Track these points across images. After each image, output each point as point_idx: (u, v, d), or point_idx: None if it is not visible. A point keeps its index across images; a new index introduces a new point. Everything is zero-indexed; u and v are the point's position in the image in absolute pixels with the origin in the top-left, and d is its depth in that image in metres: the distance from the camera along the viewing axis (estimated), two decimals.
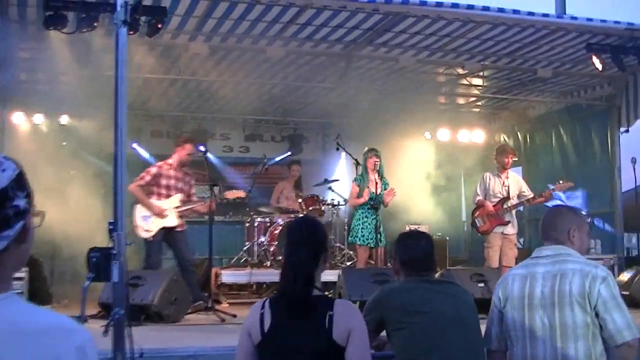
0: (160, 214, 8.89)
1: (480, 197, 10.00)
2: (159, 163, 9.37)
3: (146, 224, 8.87)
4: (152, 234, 8.85)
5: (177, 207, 9.01)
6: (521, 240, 12.34)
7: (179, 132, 12.87)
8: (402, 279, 4.04)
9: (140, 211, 8.90)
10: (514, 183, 9.92)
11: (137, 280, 7.76)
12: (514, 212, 9.87)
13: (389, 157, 10.79)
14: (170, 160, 9.25)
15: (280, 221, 11.49)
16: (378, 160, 9.55)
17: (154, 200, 8.97)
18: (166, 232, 8.94)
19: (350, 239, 9.66)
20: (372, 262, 9.71)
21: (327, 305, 3.24)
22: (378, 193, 9.32)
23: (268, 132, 14.74)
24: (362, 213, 9.48)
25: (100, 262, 5.01)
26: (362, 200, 9.45)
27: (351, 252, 11.34)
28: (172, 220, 8.96)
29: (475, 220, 10.02)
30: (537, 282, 3.65)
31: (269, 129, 14.70)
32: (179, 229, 9.02)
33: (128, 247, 5.08)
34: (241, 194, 9.35)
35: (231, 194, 9.15)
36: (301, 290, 3.26)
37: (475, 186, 10.24)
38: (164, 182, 9.07)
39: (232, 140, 14.51)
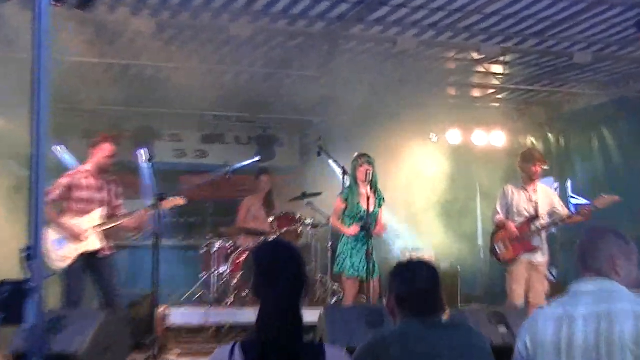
0: (77, 236, 8.79)
1: (500, 216, 10.01)
2: (71, 171, 9.20)
3: (61, 250, 8.71)
4: (70, 262, 8.71)
5: (99, 225, 8.92)
6: (553, 270, 12.35)
7: (119, 131, 12.79)
8: (399, 320, 4.00)
9: (51, 235, 8.69)
10: (543, 198, 9.92)
11: (59, 322, 7.63)
12: (544, 234, 9.87)
13: (385, 166, 10.80)
14: (86, 166, 9.13)
15: (246, 246, 11.47)
16: (370, 168, 9.52)
17: (68, 219, 8.86)
18: (87, 258, 8.82)
19: (336, 268, 9.62)
20: (363, 297, 9.69)
21: (317, 353, 3.23)
22: (371, 210, 9.29)
23: (231, 133, 14.78)
24: (351, 236, 9.47)
25: (11, 299, 4.93)
26: (349, 231, 9.46)
27: (336, 286, 11.31)
28: (93, 242, 8.86)
29: (495, 245, 10.02)
30: (577, 325, 3.60)
31: (233, 129, 14.73)
32: (103, 254, 8.95)
33: (46, 281, 5.01)
34: (179, 201, 9.27)
35: (168, 203, 9.05)
36: (290, 336, 3.29)
37: (494, 202, 10.25)
38: (79, 194, 8.93)
39: (185, 142, 14.56)
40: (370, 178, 9.53)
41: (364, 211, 9.31)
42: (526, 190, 9.92)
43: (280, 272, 3.41)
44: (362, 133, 12.06)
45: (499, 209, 10.05)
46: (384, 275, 9.11)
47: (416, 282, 4.01)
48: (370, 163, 9.58)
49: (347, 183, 9.73)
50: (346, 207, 9.57)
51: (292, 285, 3.38)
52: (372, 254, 9.17)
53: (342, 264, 9.43)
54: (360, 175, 9.53)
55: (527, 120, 14.42)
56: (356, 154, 9.80)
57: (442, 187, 13.47)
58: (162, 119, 13.91)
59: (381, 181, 9.81)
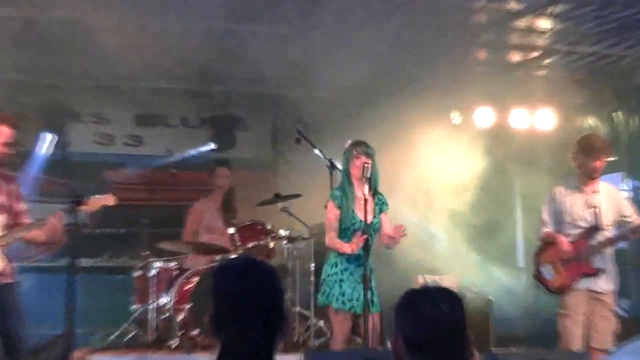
0: None
1: (548, 229, 9.96)
2: None
3: None
4: None
5: None
6: (624, 302, 12.31)
7: (20, 110, 12.70)
8: None
9: None
10: (608, 201, 9.88)
11: None
12: (609, 252, 9.82)
13: (389, 158, 10.77)
14: None
15: (196, 268, 11.44)
16: (369, 162, 9.37)
17: None
18: None
19: (321, 299, 9.44)
20: (358, 339, 9.60)
21: None
22: (369, 220, 9.11)
23: (176, 112, 14.79)
24: (341, 256, 9.33)
25: None
26: (348, 248, 9.22)
27: (321, 322, 11.30)
28: None
29: (541, 268, 9.99)
30: None
31: (179, 107, 14.70)
32: (4, 280, 8.79)
33: None
34: (108, 200, 9.18)
35: (92, 204, 8.95)
36: None
37: (539, 208, 10.19)
38: None
39: (113, 124, 14.58)
40: (369, 174, 9.28)
41: (361, 222, 9.15)
42: (584, 191, 9.89)
43: (250, 302, 3.44)
44: (357, 113, 12.00)
45: (545, 218, 10.01)
46: (387, 309, 9.01)
47: (433, 318, 4.00)
48: (369, 155, 9.41)
49: (339, 181, 9.60)
50: (340, 213, 9.39)
51: (266, 321, 3.41)
52: (370, 280, 9.06)
53: (330, 292, 9.25)
54: (355, 170, 9.38)
55: (585, 94, 14.33)
56: (349, 142, 9.66)
57: (468, 187, 13.44)
58: (80, 92, 13.89)
59: (383, 179, 9.69)
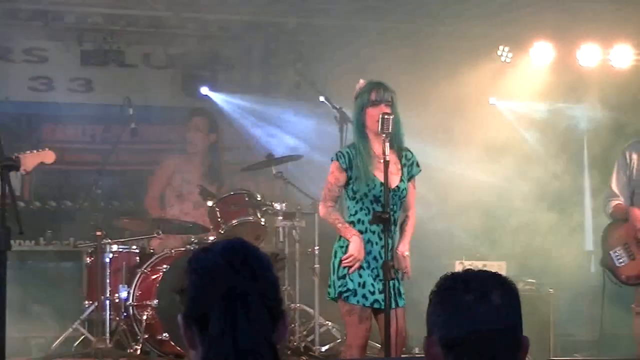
0: None
1: (618, 200, 9.88)
2: None
3: None
4: None
5: None
6: None
7: None
8: None
9: None
10: None
11: None
12: None
13: (415, 107, 10.71)
14: None
15: (165, 252, 11.42)
16: (389, 111, 9.07)
17: None
18: None
19: (331, 291, 9.14)
20: (377, 345, 9.54)
21: None
22: (394, 186, 8.94)
23: (137, 47, 14.64)
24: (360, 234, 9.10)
25: None
26: (349, 233, 8.97)
27: (329, 324, 11.36)
28: None
29: (612, 252, 9.91)
30: None
31: (140, 40, 14.60)
32: None
33: None
34: (47, 155, 9.19)
35: (26, 162, 8.94)
36: None
37: (610, 175, 10.15)
38: None
39: (52, 63, 14.37)
40: (390, 129, 8.89)
41: (382, 186, 8.88)
42: None
43: (235, 298, 3.39)
44: (374, 47, 12.00)
45: (615, 188, 9.92)
46: (419, 306, 8.72)
47: (477, 314, 3.89)
48: (390, 101, 9.12)
49: (350, 136, 9.43)
50: (348, 182, 9.12)
51: (255, 320, 3.38)
52: (393, 266, 8.80)
53: (342, 282, 8.96)
54: (372, 122, 9.09)
55: None
56: (362, 82, 9.38)
57: (520, 146, 13.36)
58: (8, 20, 13.74)
59: (410, 132, 9.59)
